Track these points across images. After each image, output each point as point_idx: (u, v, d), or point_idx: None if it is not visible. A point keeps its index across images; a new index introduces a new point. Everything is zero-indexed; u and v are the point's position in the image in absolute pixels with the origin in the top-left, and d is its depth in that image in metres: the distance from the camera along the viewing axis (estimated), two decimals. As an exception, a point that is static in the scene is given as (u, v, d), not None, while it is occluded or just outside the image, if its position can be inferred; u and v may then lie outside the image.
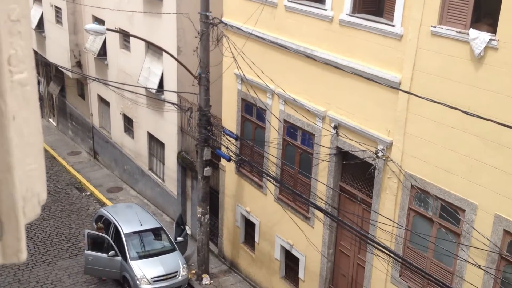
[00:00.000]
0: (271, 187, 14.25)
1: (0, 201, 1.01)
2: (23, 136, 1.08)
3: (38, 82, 29.06)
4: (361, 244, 12.19)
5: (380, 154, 10.81)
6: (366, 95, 11.09)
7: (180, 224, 16.84)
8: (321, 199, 12.52)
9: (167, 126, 18.55)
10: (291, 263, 14.50)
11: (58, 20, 23.53)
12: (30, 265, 16.75)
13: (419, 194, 10.32)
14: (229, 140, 14.84)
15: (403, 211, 10.63)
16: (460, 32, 9.06)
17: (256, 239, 15.43)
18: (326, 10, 11.70)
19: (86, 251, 15.30)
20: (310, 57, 12.07)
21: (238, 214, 16.02)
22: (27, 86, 1.09)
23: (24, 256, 1.04)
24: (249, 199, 15.42)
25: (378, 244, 10.57)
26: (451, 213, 9.74)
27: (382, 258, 10.99)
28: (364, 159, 11.26)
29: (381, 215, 11.03)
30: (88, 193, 21.59)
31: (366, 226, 11.69)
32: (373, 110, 10.98)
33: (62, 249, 17.69)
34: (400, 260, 10.53)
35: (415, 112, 10.11)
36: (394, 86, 10.31)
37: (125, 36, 19.84)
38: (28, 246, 17.61)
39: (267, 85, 13.30)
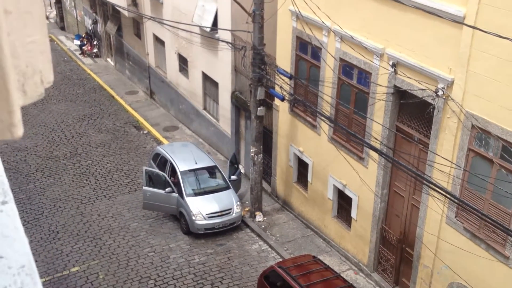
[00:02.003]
0: (325, 127, 14.12)
1: None
2: (18, 1, 0.96)
3: (96, 22, 29.47)
4: (416, 184, 12.01)
5: (440, 92, 10.42)
6: (427, 31, 10.60)
7: (234, 163, 17.08)
8: (376, 139, 12.32)
9: (221, 66, 18.52)
10: (343, 202, 14.52)
11: (113, -41, 23.50)
12: (92, 199, 17.56)
13: (480, 134, 9.96)
14: (283, 80, 14.68)
15: (462, 151, 10.32)
16: (534, -40, 8.39)
17: (309, 178, 15.49)
18: None
19: (144, 187, 15.84)
20: (368, -9, 11.57)
21: (291, 154, 16.05)
22: None
23: (19, 131, 0.96)
24: (302, 139, 15.38)
25: (435, 185, 10.37)
26: (514, 154, 9.37)
27: (438, 199, 10.81)
28: (423, 98, 10.90)
29: (438, 155, 10.76)
30: (145, 132, 22.15)
31: (423, 167, 11.47)
32: (434, 46, 10.51)
33: (122, 185, 18.39)
34: (456, 201, 10.32)
35: (479, 49, 9.60)
36: (457, 21, 9.77)
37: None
38: (89, 181, 18.44)
39: (323, 22, 12.92)
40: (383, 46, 11.68)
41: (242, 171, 18.62)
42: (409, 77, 11.11)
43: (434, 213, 11.29)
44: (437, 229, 11.34)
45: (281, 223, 16.33)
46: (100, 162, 19.75)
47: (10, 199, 1.17)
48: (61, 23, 35.15)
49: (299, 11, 13.43)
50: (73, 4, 32.67)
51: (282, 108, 15.94)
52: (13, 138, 0.95)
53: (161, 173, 16.07)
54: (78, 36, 30.90)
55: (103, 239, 15.64)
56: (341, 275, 12.77)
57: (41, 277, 14.15)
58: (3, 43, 0.90)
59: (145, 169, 16.02)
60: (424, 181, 10.97)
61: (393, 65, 11.46)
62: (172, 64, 22.24)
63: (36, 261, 14.86)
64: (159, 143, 20.81)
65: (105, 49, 29.35)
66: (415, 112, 11.62)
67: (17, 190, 17.92)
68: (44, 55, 1.02)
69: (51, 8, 37.77)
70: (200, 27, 18.31)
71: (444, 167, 10.65)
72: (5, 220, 1.12)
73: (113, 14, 26.81)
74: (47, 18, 37.06)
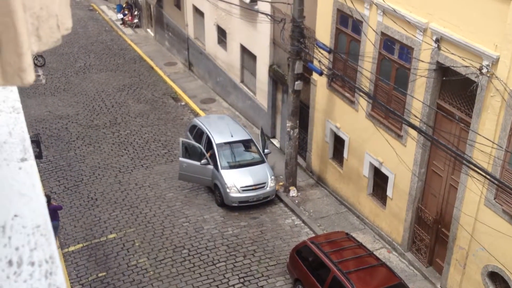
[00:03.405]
0: (363, 103, 13.88)
1: None
2: None
3: (137, -7, 29.56)
4: (455, 164, 11.73)
5: (484, 70, 10.06)
6: (473, 6, 10.19)
7: (263, 137, 17.03)
8: (416, 116, 12.04)
9: (259, 38, 18.36)
10: (379, 180, 14.34)
11: None
12: (130, 169, 17.86)
13: (525, 114, 9.59)
14: (321, 53, 14.45)
15: (505, 131, 9.98)
16: None
17: (345, 155, 15.32)
18: None
19: (180, 158, 16.00)
20: (414, -37, 11.17)
21: (327, 130, 15.89)
22: None
23: (29, 78, 0.89)
24: (339, 115, 15.18)
25: (475, 165, 10.09)
26: (560, 136, 9.00)
27: (477, 179, 10.53)
28: (466, 76, 10.55)
29: (480, 135, 10.44)
30: (183, 103, 22.29)
31: (463, 146, 11.17)
32: (480, 22, 10.11)
33: (159, 155, 18.63)
34: (496, 182, 10.03)
35: (529, 25, 9.18)
36: (507, -5, 9.35)
37: None
38: (128, 150, 18.74)
39: (365, -5, 12.59)
40: (427, 20, 11.31)
41: (278, 145, 18.56)
42: (452, 53, 10.76)
43: (473, 194, 11.02)
44: (475, 210, 11.09)
45: (315, 199, 16.28)
46: (139, 132, 20.03)
47: (30, 156, 1.15)
48: (103, -7, 35.41)
49: (341, -17, 13.11)
50: (115, -26, 32.83)
51: (320, 82, 15.73)
52: (23, 84, 0.89)
53: (197, 144, 16.17)
54: (120, 7, 31.11)
55: (140, 208, 15.95)
56: (374, 253, 12.68)
57: (79, 242, 14.60)
58: None
59: (182, 140, 16.15)
60: (464, 161, 10.70)
61: (437, 41, 11.11)
62: (211, 35, 22.18)
63: (75, 226, 15.26)
64: (196, 115, 20.92)
65: (145, 19, 29.49)
66: (457, 90, 11.28)
67: (58, 157, 18.38)
68: None
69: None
70: (240, -2, 18.13)
71: (485, 147, 10.35)
72: (23, 177, 1.10)
73: (154, -15, 26.83)
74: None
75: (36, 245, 0.95)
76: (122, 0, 31.83)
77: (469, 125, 10.91)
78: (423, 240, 13.16)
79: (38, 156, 15.78)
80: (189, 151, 16.14)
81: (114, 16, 31.65)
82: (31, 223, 1.00)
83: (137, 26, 29.98)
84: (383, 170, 13.82)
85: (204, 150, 16.07)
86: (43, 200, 1.06)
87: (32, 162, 1.14)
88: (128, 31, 29.66)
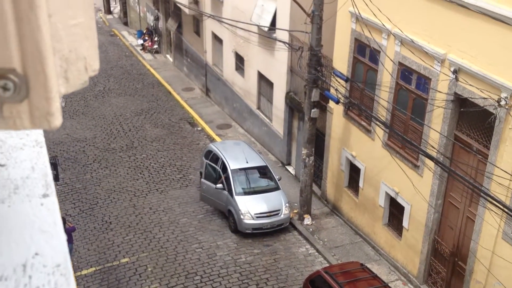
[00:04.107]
0: (379, 132, 13.84)
1: (24, 47, 0.85)
2: None
3: (158, 18, 30.10)
4: (473, 196, 11.58)
5: (502, 102, 9.99)
6: (492, 38, 10.18)
7: None
8: (433, 147, 11.96)
9: (277, 66, 18.49)
10: (395, 211, 14.18)
11: (177, -43, 23.89)
12: (144, 192, 17.92)
13: (545, 148, 9.47)
14: (338, 82, 14.49)
15: (524, 165, 9.85)
16: None
17: (361, 184, 15.22)
18: None
19: (202, 179, 16.20)
20: (432, -5, 11.23)
21: (343, 158, 15.83)
22: None
23: (56, 122, 0.89)
24: (355, 143, 15.13)
25: (492, 198, 9.95)
26: None
27: (495, 212, 10.36)
28: (484, 107, 10.49)
29: (498, 167, 10.32)
30: (199, 128, 22.42)
31: (480, 179, 11.03)
32: (499, 54, 10.08)
33: (174, 180, 18.67)
34: (515, 216, 9.86)
35: (548, 58, 9.14)
36: (526, 28, 9.34)
37: (240, -27, 19.72)
38: (143, 174, 18.83)
39: (383, 25, 12.66)
40: (445, 51, 11.32)
41: (293, 173, 18.53)
42: (470, 85, 10.72)
43: (490, 227, 10.84)
44: (492, 243, 10.89)
45: (329, 228, 16.14)
46: (155, 156, 20.14)
47: (52, 192, 1.16)
48: (124, 18, 36.13)
49: (359, 13, 13.22)
50: (136, 0, 33.49)
51: (336, 111, 15.74)
52: (50, 128, 0.89)
53: (217, 168, 16.33)
54: (140, 33, 31.64)
55: (153, 232, 15.93)
56: (389, 285, 12.47)
57: (92, 266, 14.58)
58: (42, 23, 0.84)
59: (206, 162, 16.37)
60: (481, 194, 10.56)
61: (455, 72, 11.09)
62: (228, 62, 22.41)
63: (88, 249, 15.26)
64: (212, 140, 21.01)
65: (165, 45, 29.92)
66: (475, 121, 11.20)
67: (75, 179, 18.52)
68: (89, 40, 0.95)
69: (115, 4, 38.88)
70: (259, 26, 18.35)
71: (503, 180, 10.21)
72: (45, 214, 1.11)
73: (174, 11, 27.29)
74: (111, 12, 38.18)
75: (56, 285, 0.95)
76: (143, 26, 32.39)
77: (487, 157, 10.80)
78: (439, 273, 12.93)
79: (55, 178, 15.92)
80: (206, 174, 16.36)
81: (134, 41, 32.18)
82: (51, 262, 1.00)
83: (157, 52, 30.42)
84: (399, 200, 13.68)
85: (221, 173, 16.19)
86: (64, 237, 1.07)
87: (53, 199, 1.15)
88: (148, 56, 30.09)
